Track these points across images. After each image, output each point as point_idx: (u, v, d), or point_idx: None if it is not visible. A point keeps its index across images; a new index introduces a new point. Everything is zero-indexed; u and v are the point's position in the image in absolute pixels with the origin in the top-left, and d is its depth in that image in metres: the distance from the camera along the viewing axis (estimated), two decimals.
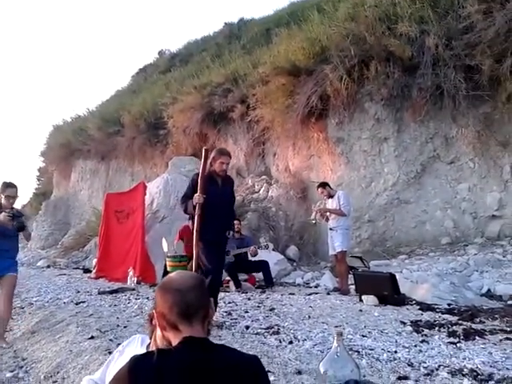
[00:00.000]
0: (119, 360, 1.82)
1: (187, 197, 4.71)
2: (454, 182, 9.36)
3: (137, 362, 1.41)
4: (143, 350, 1.70)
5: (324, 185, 7.40)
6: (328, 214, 7.15)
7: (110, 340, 3.51)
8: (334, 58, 9.89)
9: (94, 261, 10.40)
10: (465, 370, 2.92)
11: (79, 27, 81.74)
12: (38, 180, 27.45)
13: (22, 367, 3.22)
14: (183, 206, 4.79)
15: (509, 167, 8.78)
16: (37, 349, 3.70)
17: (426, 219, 9.55)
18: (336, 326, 2.34)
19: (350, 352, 3.21)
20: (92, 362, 3.02)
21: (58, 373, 3.05)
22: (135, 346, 1.87)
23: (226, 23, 23.74)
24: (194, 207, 4.48)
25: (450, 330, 4.11)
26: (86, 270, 10.71)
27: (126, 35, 78.43)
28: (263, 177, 12.66)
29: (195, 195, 4.44)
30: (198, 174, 4.73)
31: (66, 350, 3.47)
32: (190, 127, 14.11)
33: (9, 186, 4.58)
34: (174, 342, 1.47)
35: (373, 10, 9.81)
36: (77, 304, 5.92)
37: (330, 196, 7.22)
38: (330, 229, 7.11)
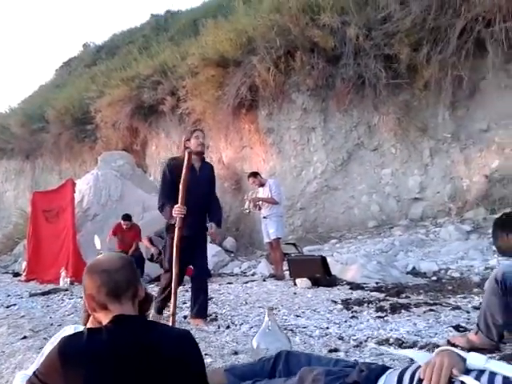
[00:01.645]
0: None
1: (165, 197, 4.02)
2: (378, 167, 9.78)
3: (66, 343, 1.41)
4: None
5: (255, 174, 7.52)
6: (261, 202, 7.29)
7: (44, 338, 3.45)
8: (261, 49, 10.05)
9: (24, 263, 9.99)
10: (391, 339, 3.15)
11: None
12: None
13: None
14: (161, 211, 4.08)
15: (428, 151, 9.27)
16: None
17: (354, 204, 9.94)
18: (269, 309, 2.46)
19: (285, 331, 3.36)
20: (26, 360, 2.98)
21: None
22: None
23: (152, 15, 23.44)
24: (171, 216, 3.81)
25: (378, 305, 4.36)
26: (16, 274, 10.26)
27: (49, 28, 74.78)
28: None
29: (175, 207, 3.72)
30: (173, 159, 4.19)
31: None
32: (119, 121, 13.85)
33: None
34: (105, 322, 1.50)
35: (296, 2, 10.02)
36: (7, 307, 5.70)
37: (261, 185, 7.35)
38: (264, 217, 7.25)
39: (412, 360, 1.71)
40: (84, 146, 15.78)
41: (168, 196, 3.97)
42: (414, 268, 6.69)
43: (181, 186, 3.70)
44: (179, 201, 3.71)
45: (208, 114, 11.36)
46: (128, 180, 10.37)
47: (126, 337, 1.44)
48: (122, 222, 8.30)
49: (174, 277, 3.60)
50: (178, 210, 3.70)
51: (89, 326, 1.64)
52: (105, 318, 1.51)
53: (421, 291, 5.08)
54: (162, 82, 13.14)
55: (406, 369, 1.49)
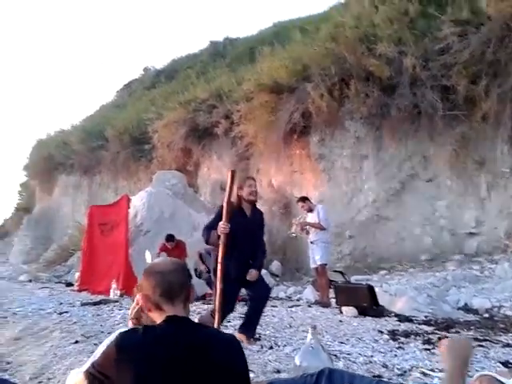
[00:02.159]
0: None
1: (211, 227, 4.13)
2: (433, 199, 9.57)
3: (123, 337, 1.53)
4: None
5: (304, 199, 7.53)
6: (308, 227, 7.28)
7: (95, 344, 3.58)
8: (316, 76, 10.16)
9: (77, 274, 10.35)
10: (436, 370, 3.08)
11: (66, 43, 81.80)
12: (20, 195, 27.17)
13: (6, 370, 3.27)
14: (205, 237, 4.20)
15: (485, 185, 9.01)
16: (21, 353, 3.74)
17: (406, 236, 9.72)
18: (312, 327, 2.47)
19: None
20: (77, 363, 3.09)
21: (43, 374, 3.12)
22: None
23: (211, 41, 24.12)
24: (219, 237, 3.92)
25: (426, 338, 4.26)
26: (69, 284, 10.65)
27: (112, 51, 78.72)
28: None
29: (220, 224, 3.87)
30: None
31: (50, 354, 3.54)
32: (174, 142, 14.27)
33: None
34: (159, 321, 1.60)
35: (353, 31, 10.12)
36: (60, 314, 5.93)
37: (310, 210, 7.35)
38: (311, 242, 7.25)
39: None
40: (140, 164, 16.33)
41: (213, 227, 4.06)
42: (465, 304, 6.45)
43: (224, 204, 3.85)
44: (223, 218, 3.86)
45: (260, 138, 11.53)
46: (180, 199, 10.64)
47: (177, 336, 1.53)
48: (166, 242, 8.48)
49: (218, 292, 3.68)
50: (222, 227, 3.84)
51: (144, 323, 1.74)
52: (159, 318, 1.61)
53: (471, 327, 4.92)
54: (217, 106, 13.50)
55: None
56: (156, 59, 79.79)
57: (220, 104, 13.43)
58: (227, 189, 3.82)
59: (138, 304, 1.80)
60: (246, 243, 4.16)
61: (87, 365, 2.01)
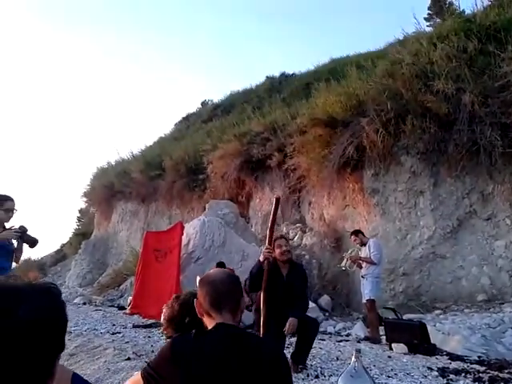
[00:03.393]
0: None
1: (254, 275, 4.07)
2: (491, 238, 9.27)
3: (177, 341, 1.69)
4: None
5: (357, 232, 7.50)
6: (360, 261, 7.22)
7: (146, 362, 3.69)
8: (371, 111, 10.19)
9: (129, 298, 10.63)
10: None
11: (127, 75, 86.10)
12: (79, 220, 28.32)
13: None
14: (248, 282, 4.14)
15: None
16: (76, 368, 3.90)
17: (462, 275, 9.41)
18: (357, 350, 2.47)
19: None
20: (129, 377, 3.20)
21: None
22: None
23: (267, 77, 24.69)
24: (260, 271, 3.90)
25: (477, 376, 4.10)
26: (121, 308, 10.93)
27: (172, 85, 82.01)
28: (298, 225, 12.82)
29: (263, 249, 3.95)
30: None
31: (104, 369, 3.68)
32: (228, 173, 14.58)
33: (7, 199, 4.06)
34: (210, 327, 1.73)
35: (410, 68, 10.14)
36: (113, 334, 6.14)
37: (363, 244, 7.30)
38: (362, 277, 7.17)
39: None
40: (194, 194, 16.75)
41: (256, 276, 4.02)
42: None
43: (268, 231, 3.88)
44: (267, 241, 3.94)
45: (313, 171, 11.60)
46: (231, 228, 10.81)
47: (226, 341, 1.65)
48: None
49: (262, 317, 3.71)
50: (266, 251, 3.91)
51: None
52: (209, 324, 1.74)
53: None
54: (271, 139, 13.76)
55: None
56: (214, 93, 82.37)
57: (274, 137, 13.69)
58: (271, 216, 3.82)
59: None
60: (283, 303, 4.13)
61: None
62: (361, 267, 7.23)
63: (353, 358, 2.38)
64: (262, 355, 1.64)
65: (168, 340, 1.81)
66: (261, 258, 3.98)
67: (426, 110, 9.66)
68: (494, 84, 9.13)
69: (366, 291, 6.95)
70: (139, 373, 1.72)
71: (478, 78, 9.42)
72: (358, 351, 2.40)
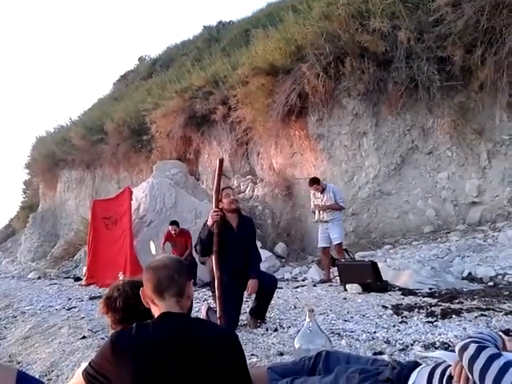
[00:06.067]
0: None
1: (204, 240, 4.02)
2: (434, 171, 9.56)
3: (118, 336, 1.59)
4: None
5: (318, 181, 7.49)
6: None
7: (102, 338, 3.65)
8: (310, 56, 10.07)
9: (84, 269, 10.47)
10: (437, 343, 3.11)
11: (58, 37, 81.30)
12: (24, 193, 27.26)
13: None
14: (198, 248, 4.12)
15: (485, 154, 8.97)
16: (31, 352, 3.82)
17: (408, 209, 9.75)
18: (310, 310, 2.51)
19: (331, 334, 3.37)
20: (84, 359, 3.15)
21: (52, 371, 3.19)
22: None
23: (205, 26, 23.98)
24: (209, 235, 3.87)
25: (429, 311, 4.28)
26: (77, 279, 10.77)
27: (106, 43, 78.22)
28: (248, 176, 12.83)
29: (211, 211, 3.90)
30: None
31: (59, 351, 3.60)
32: (173, 131, 14.24)
33: None
34: (156, 316, 1.66)
35: (345, 8, 9.98)
36: (68, 309, 6.02)
37: (322, 190, 7.37)
38: (325, 221, 7.24)
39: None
40: (141, 155, 16.33)
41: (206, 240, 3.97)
42: (469, 273, 6.48)
43: (213, 192, 3.91)
44: (213, 204, 3.93)
45: (258, 122, 11.50)
46: (181, 188, 10.67)
47: (169, 332, 1.58)
48: (170, 227, 8.58)
49: (216, 280, 3.71)
50: (214, 214, 3.86)
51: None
52: (156, 313, 1.68)
53: (475, 297, 4.92)
54: (213, 93, 13.45)
55: (438, 365, 1.49)
56: (151, 48, 79.34)
57: (216, 90, 13.38)
58: (216, 177, 3.81)
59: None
60: (237, 254, 4.13)
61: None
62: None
63: (307, 319, 2.42)
64: (209, 345, 1.58)
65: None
66: (209, 223, 3.90)
67: (364, 50, 9.61)
68: (429, 19, 9.12)
69: (336, 235, 7.15)
70: (80, 373, 1.65)
71: (413, 13, 9.39)
72: (311, 310, 2.43)
